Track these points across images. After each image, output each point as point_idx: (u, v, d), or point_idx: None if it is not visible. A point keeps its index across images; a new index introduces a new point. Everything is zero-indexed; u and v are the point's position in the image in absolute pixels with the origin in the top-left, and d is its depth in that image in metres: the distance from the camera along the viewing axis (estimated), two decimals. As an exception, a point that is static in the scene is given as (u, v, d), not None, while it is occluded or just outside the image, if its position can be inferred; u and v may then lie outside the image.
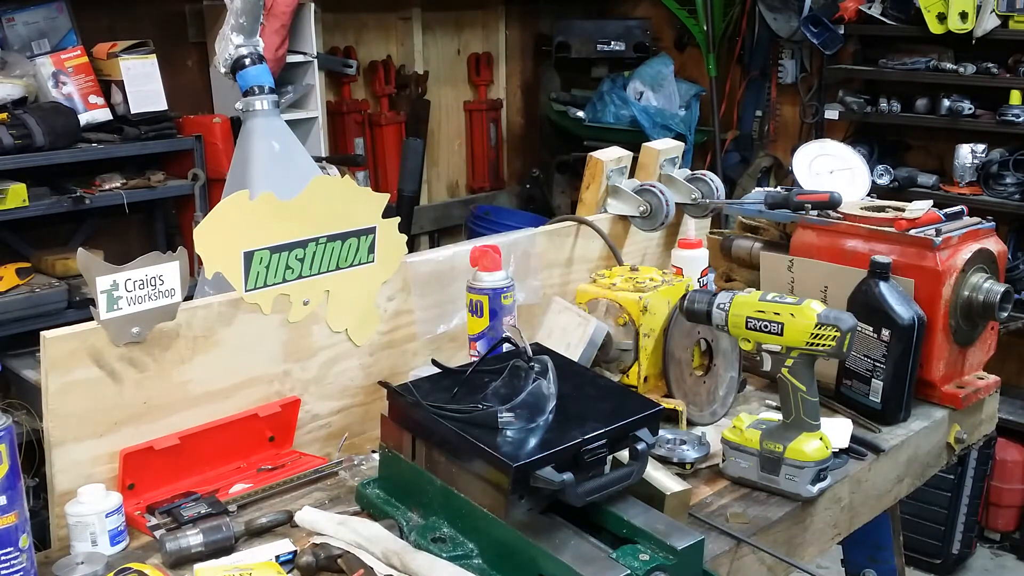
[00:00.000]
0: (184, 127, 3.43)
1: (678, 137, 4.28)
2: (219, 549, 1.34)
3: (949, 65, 3.84)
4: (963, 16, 3.70)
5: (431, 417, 1.32)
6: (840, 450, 1.67)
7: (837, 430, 1.70)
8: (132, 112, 3.19)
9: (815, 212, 1.96)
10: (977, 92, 3.84)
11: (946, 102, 3.86)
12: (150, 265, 1.41)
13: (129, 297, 1.39)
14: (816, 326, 1.46)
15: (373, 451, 1.61)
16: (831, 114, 4.19)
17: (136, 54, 3.21)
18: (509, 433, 1.27)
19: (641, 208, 2.12)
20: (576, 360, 1.66)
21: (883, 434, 1.76)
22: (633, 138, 4.01)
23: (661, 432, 1.53)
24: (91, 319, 1.39)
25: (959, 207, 1.92)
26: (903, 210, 1.90)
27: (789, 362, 1.50)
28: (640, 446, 1.32)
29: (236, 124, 2.78)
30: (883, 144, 4.19)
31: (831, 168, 2.17)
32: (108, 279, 1.37)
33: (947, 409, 1.87)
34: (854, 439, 1.71)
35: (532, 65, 5.16)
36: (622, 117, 4.58)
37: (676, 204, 2.14)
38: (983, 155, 3.85)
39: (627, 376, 1.78)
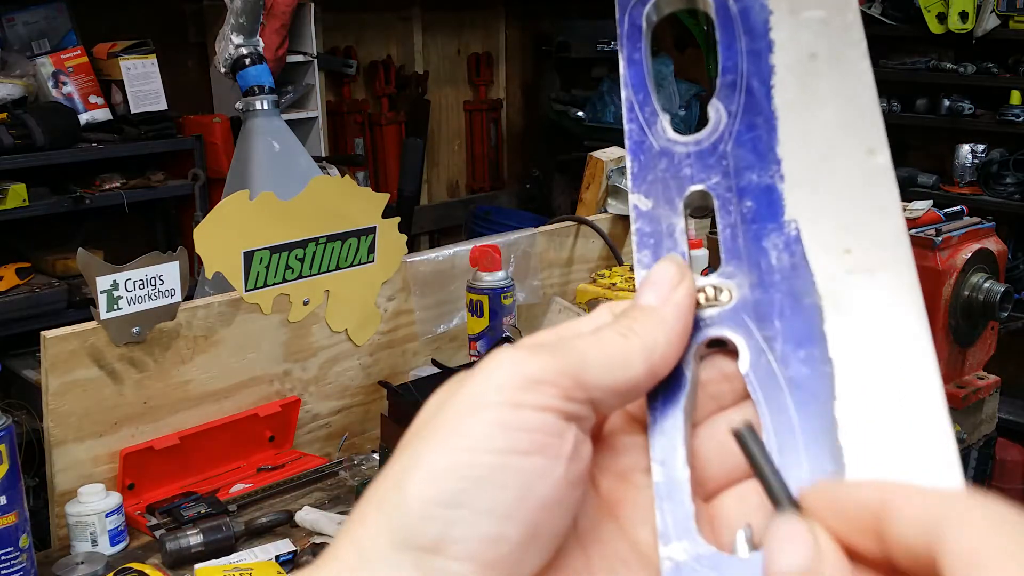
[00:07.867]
0: (184, 127, 3.43)
1: (678, 137, 4.27)
2: (219, 549, 1.34)
3: (949, 65, 3.84)
4: (963, 16, 3.70)
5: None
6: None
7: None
8: (132, 112, 3.19)
9: (815, 212, 1.96)
10: (977, 92, 3.84)
11: (946, 102, 3.86)
12: (150, 265, 1.41)
13: (129, 297, 1.39)
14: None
15: (373, 451, 1.61)
16: (831, 114, 4.18)
17: (136, 54, 3.21)
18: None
19: (641, 208, 2.12)
20: (576, 360, 1.66)
21: (883, 434, 1.76)
22: (633, 138, 4.00)
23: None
24: (91, 319, 1.39)
25: (959, 207, 1.92)
26: (903, 210, 1.89)
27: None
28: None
29: (236, 124, 2.78)
30: (883, 144, 4.19)
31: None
32: (108, 279, 1.37)
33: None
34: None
35: (532, 65, 5.16)
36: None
37: (676, 204, 2.13)
38: (983, 155, 3.85)
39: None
